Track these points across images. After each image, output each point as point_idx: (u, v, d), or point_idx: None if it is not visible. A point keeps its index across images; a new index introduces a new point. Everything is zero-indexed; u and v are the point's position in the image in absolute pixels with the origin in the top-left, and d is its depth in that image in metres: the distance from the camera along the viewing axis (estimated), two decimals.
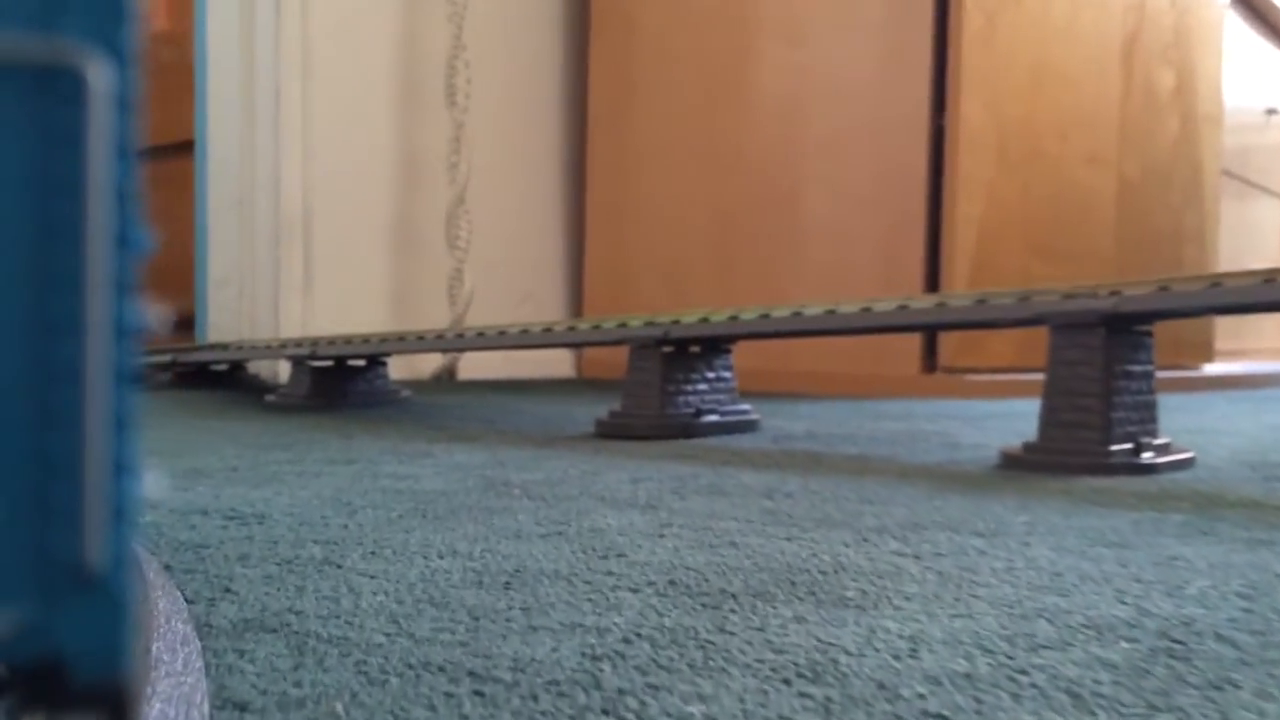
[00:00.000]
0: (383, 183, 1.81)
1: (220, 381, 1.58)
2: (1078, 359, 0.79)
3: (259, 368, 1.66)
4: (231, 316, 1.72)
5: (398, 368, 1.55)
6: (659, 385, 1.01)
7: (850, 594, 0.39)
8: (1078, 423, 0.79)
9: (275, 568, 0.44)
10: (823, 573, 0.43)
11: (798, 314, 0.97)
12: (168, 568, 0.44)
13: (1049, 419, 0.80)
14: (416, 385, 1.62)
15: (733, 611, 0.37)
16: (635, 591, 0.40)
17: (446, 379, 1.86)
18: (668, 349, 1.02)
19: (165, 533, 0.52)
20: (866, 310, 0.94)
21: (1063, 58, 1.79)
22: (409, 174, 1.84)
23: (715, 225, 1.90)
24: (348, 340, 1.29)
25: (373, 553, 0.47)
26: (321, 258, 1.72)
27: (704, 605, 0.38)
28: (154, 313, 0.16)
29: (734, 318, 1.01)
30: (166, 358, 1.54)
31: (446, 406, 1.34)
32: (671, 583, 0.41)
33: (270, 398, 1.31)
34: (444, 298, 1.84)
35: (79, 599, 0.15)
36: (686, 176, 1.93)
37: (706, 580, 0.41)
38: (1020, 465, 0.80)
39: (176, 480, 0.70)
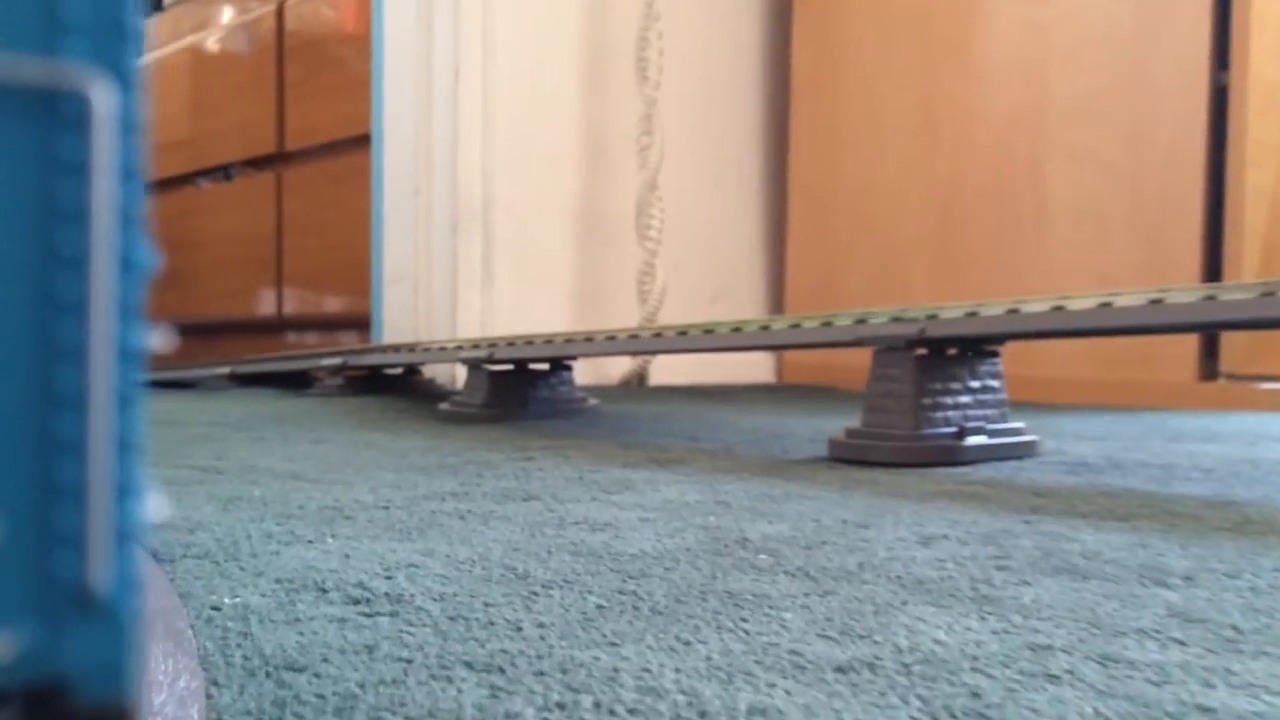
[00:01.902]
0: (567, 168, 1.64)
1: (393, 386, 1.45)
2: None
3: (434, 371, 1.52)
4: (407, 315, 1.59)
5: (583, 372, 1.37)
6: (913, 398, 0.79)
7: None
8: None
9: None
10: None
11: (1106, 305, 0.73)
12: None
13: None
14: (603, 392, 1.45)
15: None
16: None
17: (636, 384, 1.68)
18: (921, 352, 0.80)
19: (253, 632, 0.34)
20: (1210, 300, 0.69)
21: None
22: (596, 158, 1.67)
23: (938, 209, 1.65)
24: (529, 341, 1.12)
25: (559, 704, 0.27)
26: (501, 251, 1.57)
27: None
28: (157, 334, 0.14)
29: (1013, 310, 0.78)
30: (337, 360, 1.42)
31: (639, 417, 1.15)
32: None
33: (444, 406, 1.15)
34: (633, 294, 1.66)
35: (82, 622, 0.14)
36: (904, 154, 1.68)
37: None
38: None
39: (308, 523, 0.53)
